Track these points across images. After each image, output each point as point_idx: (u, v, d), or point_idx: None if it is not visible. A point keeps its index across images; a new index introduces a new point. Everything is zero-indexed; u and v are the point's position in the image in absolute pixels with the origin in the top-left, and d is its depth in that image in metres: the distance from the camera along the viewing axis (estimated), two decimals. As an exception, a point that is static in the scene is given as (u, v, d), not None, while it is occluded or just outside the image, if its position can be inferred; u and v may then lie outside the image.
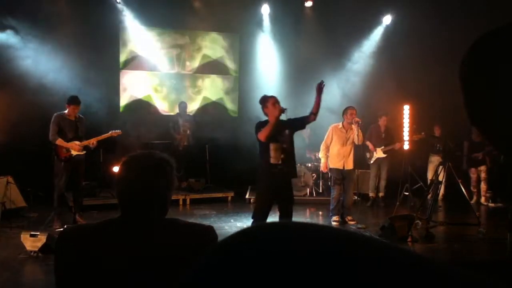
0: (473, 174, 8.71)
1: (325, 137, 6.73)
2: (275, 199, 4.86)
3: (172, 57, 9.52)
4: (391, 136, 8.27)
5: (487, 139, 0.68)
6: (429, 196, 6.77)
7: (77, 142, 6.12)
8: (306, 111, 4.98)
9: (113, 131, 6.44)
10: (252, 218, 4.94)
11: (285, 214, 4.81)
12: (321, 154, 6.86)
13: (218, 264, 0.35)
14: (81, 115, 6.31)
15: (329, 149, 6.68)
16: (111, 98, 8.56)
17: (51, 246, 4.62)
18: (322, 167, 6.97)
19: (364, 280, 0.31)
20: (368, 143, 8.07)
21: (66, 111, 6.12)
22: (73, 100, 6.08)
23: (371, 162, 8.31)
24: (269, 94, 4.94)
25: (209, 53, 9.81)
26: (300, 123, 4.92)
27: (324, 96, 4.93)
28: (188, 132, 8.64)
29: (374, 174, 8.38)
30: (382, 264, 0.32)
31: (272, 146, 4.68)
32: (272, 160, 4.68)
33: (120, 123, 7.43)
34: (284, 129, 4.76)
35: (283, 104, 4.79)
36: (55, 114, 6.12)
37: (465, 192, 6.53)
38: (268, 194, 4.79)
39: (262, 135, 4.62)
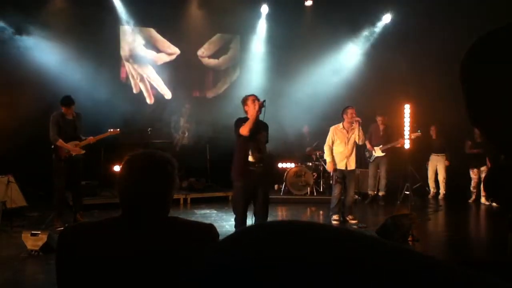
0: (474, 175, 8.66)
1: (327, 139, 6.64)
2: (251, 198, 4.83)
3: (172, 57, 9.51)
4: (390, 135, 8.24)
5: (487, 139, 0.68)
6: None
7: (77, 142, 6.11)
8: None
9: (110, 130, 6.40)
10: (235, 220, 4.89)
11: (260, 214, 4.78)
12: (326, 155, 6.68)
13: (217, 264, 0.35)
14: (78, 112, 6.24)
15: (333, 150, 6.61)
16: (112, 97, 8.55)
17: (52, 245, 4.62)
18: (328, 167, 6.75)
19: (368, 281, 0.31)
20: (366, 142, 8.00)
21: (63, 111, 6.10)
22: (65, 102, 6.00)
23: (371, 161, 8.32)
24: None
25: (209, 53, 9.80)
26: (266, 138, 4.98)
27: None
28: (189, 130, 8.65)
29: (372, 173, 8.39)
30: (386, 263, 0.32)
31: (250, 144, 4.72)
32: (249, 158, 4.73)
33: (125, 123, 7.44)
34: (261, 130, 4.82)
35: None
36: (53, 113, 6.06)
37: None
38: (244, 193, 4.76)
39: (245, 129, 4.64)
